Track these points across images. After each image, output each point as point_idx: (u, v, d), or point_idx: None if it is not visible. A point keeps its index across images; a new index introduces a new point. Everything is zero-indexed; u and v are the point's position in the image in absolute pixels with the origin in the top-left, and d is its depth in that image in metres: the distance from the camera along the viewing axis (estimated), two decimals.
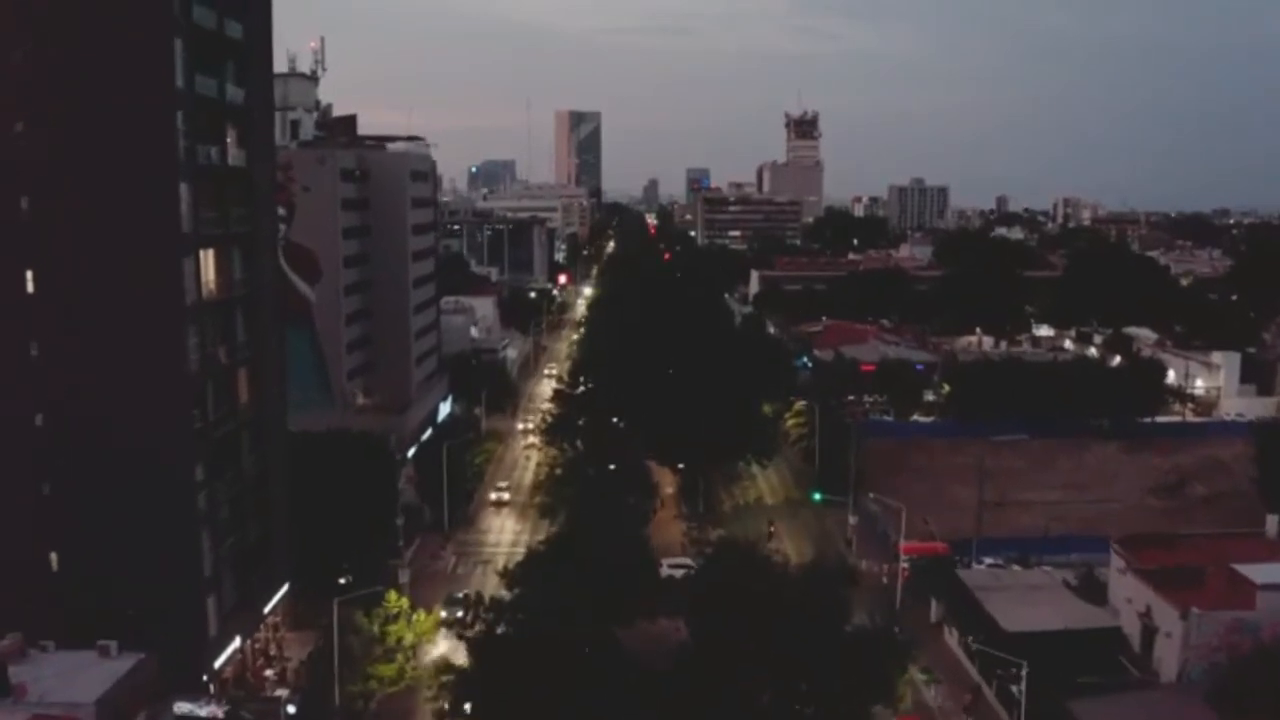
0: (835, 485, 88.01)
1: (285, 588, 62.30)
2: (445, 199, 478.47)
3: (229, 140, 53.83)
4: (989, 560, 75.32)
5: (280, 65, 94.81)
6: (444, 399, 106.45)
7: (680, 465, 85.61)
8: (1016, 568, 75.08)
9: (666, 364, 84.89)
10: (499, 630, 47.33)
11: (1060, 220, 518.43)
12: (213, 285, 52.55)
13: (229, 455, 54.50)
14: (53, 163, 46.06)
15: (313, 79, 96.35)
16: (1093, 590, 63.08)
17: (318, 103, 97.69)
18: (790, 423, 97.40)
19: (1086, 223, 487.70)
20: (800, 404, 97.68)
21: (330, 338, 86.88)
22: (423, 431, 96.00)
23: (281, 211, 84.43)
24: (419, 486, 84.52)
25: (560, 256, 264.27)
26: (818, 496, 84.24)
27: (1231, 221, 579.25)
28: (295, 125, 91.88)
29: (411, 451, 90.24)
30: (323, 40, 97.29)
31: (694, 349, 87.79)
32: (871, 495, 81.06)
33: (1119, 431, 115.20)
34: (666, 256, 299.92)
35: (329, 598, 67.43)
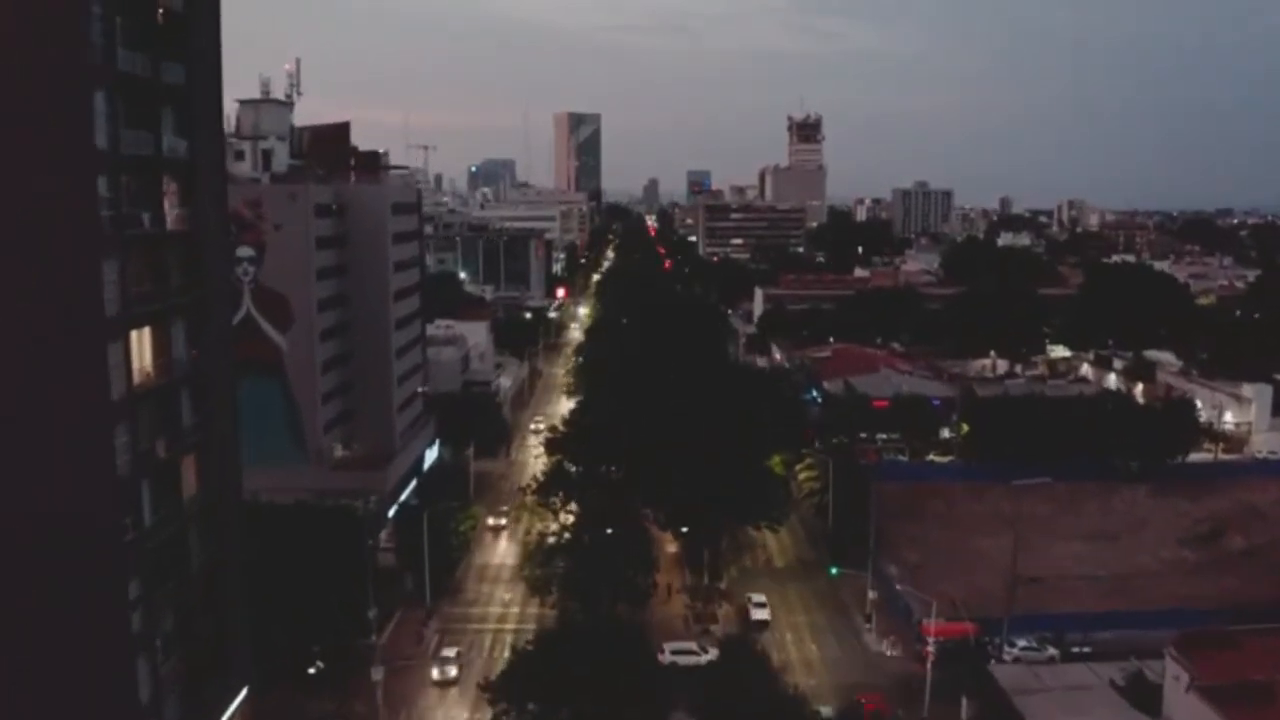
0: (851, 546, 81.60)
1: (244, 692, 55.57)
2: (444, 199, 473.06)
3: (168, 200, 47.05)
4: (1022, 643, 68.70)
5: (252, 90, 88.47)
6: (430, 444, 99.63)
7: (684, 529, 78.83)
8: (1052, 650, 68.64)
9: (670, 417, 78.09)
10: None
11: (1066, 224, 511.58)
12: (149, 368, 45.80)
13: (172, 559, 47.77)
14: None
15: (287, 104, 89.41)
16: (1144, 694, 56.50)
17: (292, 128, 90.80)
18: (802, 475, 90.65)
19: (1093, 226, 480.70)
20: (814, 453, 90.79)
21: (304, 387, 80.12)
22: (407, 484, 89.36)
23: (251, 253, 78.20)
24: (399, 551, 77.86)
25: (559, 267, 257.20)
26: (835, 571, 77.50)
27: (1235, 221, 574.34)
28: (268, 155, 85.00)
29: (393, 510, 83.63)
30: (298, 62, 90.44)
31: (699, 397, 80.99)
32: (899, 587, 73.90)
33: (1147, 473, 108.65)
34: (667, 265, 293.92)
35: (298, 690, 61.60)
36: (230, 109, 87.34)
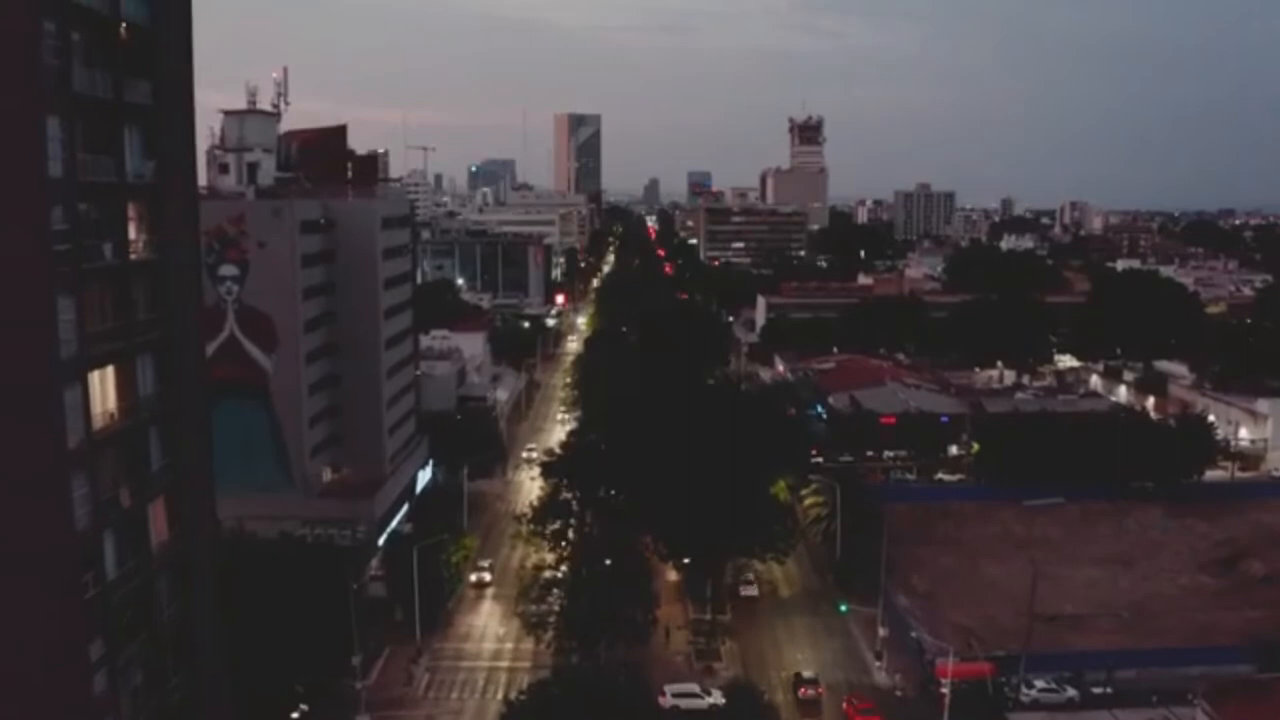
0: (859, 573, 78.83)
1: None
2: (444, 199, 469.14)
3: (133, 227, 43.84)
4: (1040, 684, 65.55)
5: (238, 100, 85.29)
6: (423, 466, 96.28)
7: (685, 560, 75.75)
8: (1072, 691, 65.51)
9: (671, 443, 74.93)
10: None
11: (1069, 225, 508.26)
12: (113, 410, 42.62)
13: (140, 612, 44.56)
14: None
15: (274, 114, 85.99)
16: None
17: (280, 139, 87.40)
18: (808, 501, 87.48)
19: (1096, 229, 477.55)
20: (820, 480, 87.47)
21: (290, 411, 76.87)
22: (398, 508, 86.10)
23: (234, 271, 75.08)
24: (389, 581, 74.73)
25: (558, 272, 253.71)
26: (844, 608, 74.43)
27: (1238, 222, 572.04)
28: (253, 169, 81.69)
29: (384, 537, 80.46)
30: (285, 70, 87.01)
31: (701, 422, 77.77)
32: (914, 634, 70.51)
33: (1161, 492, 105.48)
34: (668, 269, 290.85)
35: None
36: (215, 120, 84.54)
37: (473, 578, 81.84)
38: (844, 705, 63.31)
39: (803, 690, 64.24)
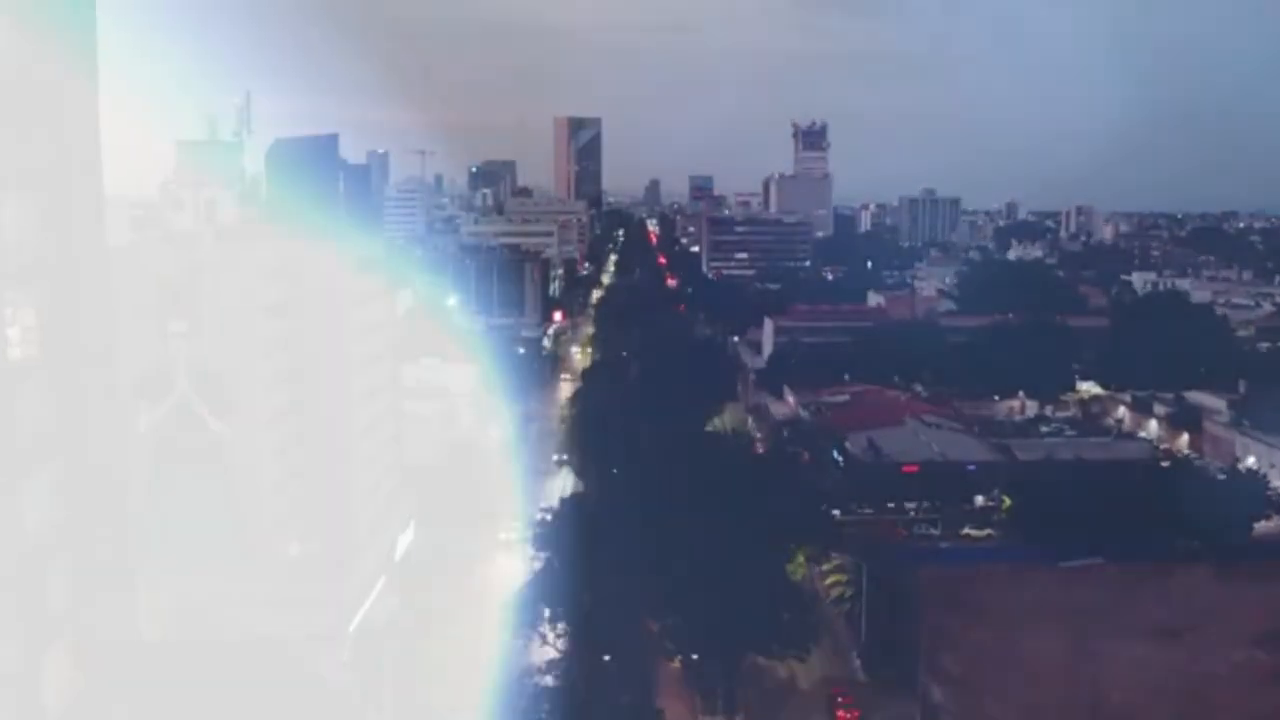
0: (886, 661, 70.71)
1: None
2: (444, 200, 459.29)
3: (19, 322, 35.50)
4: None
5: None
6: (404, 528, 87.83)
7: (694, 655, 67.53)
8: None
9: (673, 517, 66.90)
10: None
11: (1076, 231, 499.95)
12: None
13: None
14: None
15: (235, 144, 77.42)
16: None
17: (243, 172, 78.86)
18: (830, 579, 79.24)
19: (1105, 235, 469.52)
20: (844, 556, 79.18)
21: (247, 481, 68.32)
22: (373, 583, 77.72)
23: (183, 327, 66.57)
24: (361, 675, 66.40)
25: (556, 285, 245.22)
26: None
27: (1242, 225, 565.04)
28: (211, 206, 73.03)
29: (357, 620, 72.17)
30: (249, 95, 78.39)
31: (707, 490, 69.77)
32: None
33: (1207, 552, 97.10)
34: (670, 279, 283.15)
35: None
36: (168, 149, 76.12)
37: None
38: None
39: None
